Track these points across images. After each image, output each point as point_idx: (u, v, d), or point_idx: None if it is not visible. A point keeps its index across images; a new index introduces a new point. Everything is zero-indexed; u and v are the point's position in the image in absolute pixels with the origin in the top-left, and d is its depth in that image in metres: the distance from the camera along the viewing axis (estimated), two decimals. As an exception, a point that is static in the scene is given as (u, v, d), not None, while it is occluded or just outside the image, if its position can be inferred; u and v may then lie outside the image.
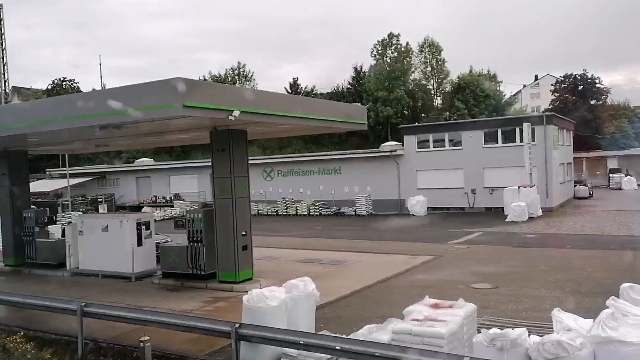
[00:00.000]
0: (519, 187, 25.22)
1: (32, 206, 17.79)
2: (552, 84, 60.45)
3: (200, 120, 10.74)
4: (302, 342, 6.58)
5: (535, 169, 26.93)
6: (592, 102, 55.93)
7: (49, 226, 16.68)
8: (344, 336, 6.62)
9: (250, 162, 13.46)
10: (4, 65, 51.88)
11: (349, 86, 54.43)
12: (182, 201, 35.95)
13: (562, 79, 58.43)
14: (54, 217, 17.45)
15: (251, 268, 12.72)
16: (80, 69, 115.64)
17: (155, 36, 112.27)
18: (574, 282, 11.86)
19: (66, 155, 32.25)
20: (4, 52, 51.77)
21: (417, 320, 6.51)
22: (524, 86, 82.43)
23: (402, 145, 31.71)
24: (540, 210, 25.51)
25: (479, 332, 6.53)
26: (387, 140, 38.40)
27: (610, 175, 43.13)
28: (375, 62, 52.66)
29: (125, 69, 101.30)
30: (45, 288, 13.13)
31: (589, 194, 35.35)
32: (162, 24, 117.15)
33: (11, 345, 8.73)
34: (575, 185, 36.00)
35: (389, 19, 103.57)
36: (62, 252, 15.31)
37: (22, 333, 9.20)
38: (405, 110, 48.78)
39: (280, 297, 7.59)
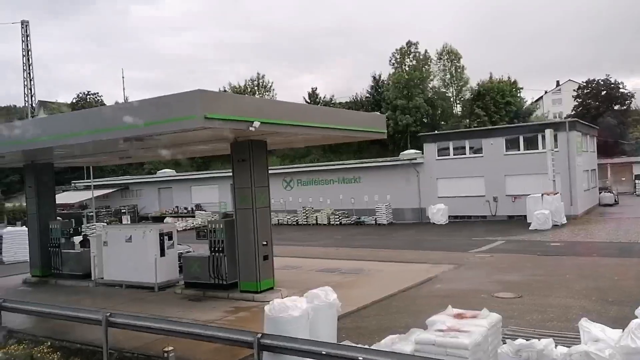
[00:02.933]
0: (542, 194, 24.87)
1: (58, 218, 18.16)
2: (574, 90, 59.63)
3: (221, 131, 10.85)
4: (324, 353, 6.56)
5: (558, 176, 26.51)
6: (616, 107, 54.96)
7: (74, 237, 17.00)
8: (366, 347, 6.58)
9: (270, 171, 13.55)
10: (30, 80, 53.31)
11: (367, 95, 54.42)
12: (203, 211, 36.30)
13: (585, 84, 57.60)
14: (79, 229, 17.77)
15: (272, 278, 12.76)
16: (103, 82, 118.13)
17: (174, 49, 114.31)
18: (601, 291, 11.61)
19: (90, 167, 32.86)
20: (31, 67, 53.25)
21: (441, 330, 6.44)
22: (546, 92, 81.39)
23: (422, 153, 31.56)
24: (565, 218, 25.08)
25: (503, 343, 6.43)
26: (407, 149, 38.24)
27: (636, 181, 42.22)
28: (393, 70, 52.62)
29: (145, 81, 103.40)
30: (71, 298, 13.36)
31: (615, 200, 34.65)
32: (181, 37, 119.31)
33: (38, 355, 8.88)
34: (600, 192, 35.32)
35: (406, 27, 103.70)
36: (88, 263, 15.58)
37: (49, 343, 9.37)
38: (424, 118, 48.55)
39: (302, 307, 7.58)
